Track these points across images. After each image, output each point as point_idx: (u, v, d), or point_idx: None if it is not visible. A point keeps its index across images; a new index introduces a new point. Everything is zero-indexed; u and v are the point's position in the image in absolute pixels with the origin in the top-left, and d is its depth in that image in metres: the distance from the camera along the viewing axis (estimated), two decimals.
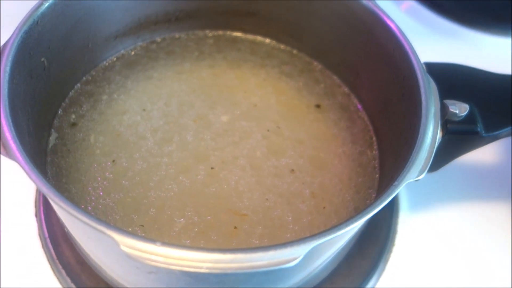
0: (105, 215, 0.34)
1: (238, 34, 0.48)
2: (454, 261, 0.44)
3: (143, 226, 0.34)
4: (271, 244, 0.25)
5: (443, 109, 0.34)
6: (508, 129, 0.36)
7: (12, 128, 0.27)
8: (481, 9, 0.39)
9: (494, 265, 0.43)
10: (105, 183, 0.36)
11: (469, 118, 0.34)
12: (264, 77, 0.45)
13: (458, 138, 0.35)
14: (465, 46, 0.56)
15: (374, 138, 0.42)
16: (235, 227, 0.35)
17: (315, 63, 0.46)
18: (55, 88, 0.37)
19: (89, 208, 0.35)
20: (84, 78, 0.43)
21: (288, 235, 0.35)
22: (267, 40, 0.48)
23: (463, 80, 0.38)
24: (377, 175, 0.40)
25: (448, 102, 0.34)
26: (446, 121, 0.34)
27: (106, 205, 0.35)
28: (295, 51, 0.47)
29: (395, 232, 0.45)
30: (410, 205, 0.46)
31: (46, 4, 0.33)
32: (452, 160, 0.39)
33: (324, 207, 0.37)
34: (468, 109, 0.34)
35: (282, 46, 0.47)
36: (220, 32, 0.48)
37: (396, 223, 0.45)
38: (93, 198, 0.36)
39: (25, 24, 0.31)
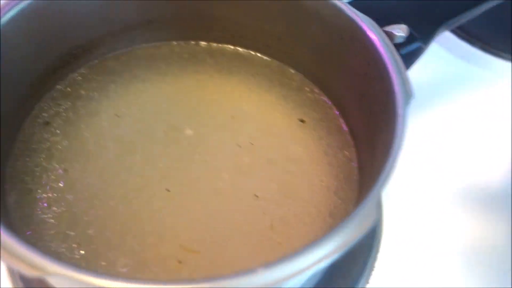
0: (41, 232, 0.33)
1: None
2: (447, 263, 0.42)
3: (79, 244, 0.32)
4: None
5: (391, 39, 0.33)
6: (439, 29, 0.37)
7: None
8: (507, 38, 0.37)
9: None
10: (50, 195, 0.34)
11: (410, 36, 0.35)
12: (253, 88, 0.42)
13: (406, 57, 0.34)
14: (490, 74, 0.54)
15: (356, 168, 0.37)
16: (180, 262, 0.32)
17: (311, 85, 0.42)
18: None
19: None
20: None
21: None
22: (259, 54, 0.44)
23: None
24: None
25: (387, 28, 0.34)
26: (396, 48, 0.32)
27: (46, 220, 0.33)
28: (285, 64, 0.43)
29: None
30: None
31: None
32: None
33: (280, 243, 0.33)
34: (407, 28, 0.34)
35: (271, 59, 0.44)
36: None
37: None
38: (39, 210, 0.34)
39: None
